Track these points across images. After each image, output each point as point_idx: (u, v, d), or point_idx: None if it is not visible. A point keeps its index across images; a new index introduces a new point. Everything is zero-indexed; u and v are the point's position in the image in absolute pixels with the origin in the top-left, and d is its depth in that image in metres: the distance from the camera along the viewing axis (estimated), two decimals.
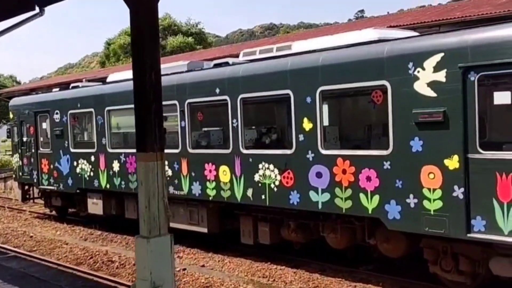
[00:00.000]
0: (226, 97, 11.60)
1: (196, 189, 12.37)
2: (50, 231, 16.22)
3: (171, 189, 12.98)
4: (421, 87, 8.49)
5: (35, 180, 17.85)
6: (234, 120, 11.46)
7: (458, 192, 8.15)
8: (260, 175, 11.00)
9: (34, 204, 20.40)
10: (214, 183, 11.97)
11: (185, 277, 10.66)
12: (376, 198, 9.17)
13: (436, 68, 8.30)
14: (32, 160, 17.93)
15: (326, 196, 9.90)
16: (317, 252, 11.39)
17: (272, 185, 10.78)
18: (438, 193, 8.39)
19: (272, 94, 10.92)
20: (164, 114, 14.09)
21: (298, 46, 11.15)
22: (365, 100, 10.20)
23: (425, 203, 8.54)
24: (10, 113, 19.49)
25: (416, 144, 8.60)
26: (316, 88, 9.92)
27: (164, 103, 12.73)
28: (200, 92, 12.30)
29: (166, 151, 13.07)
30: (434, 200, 8.45)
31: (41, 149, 17.57)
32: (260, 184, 11.01)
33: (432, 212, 8.48)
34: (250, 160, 11.20)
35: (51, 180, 17.08)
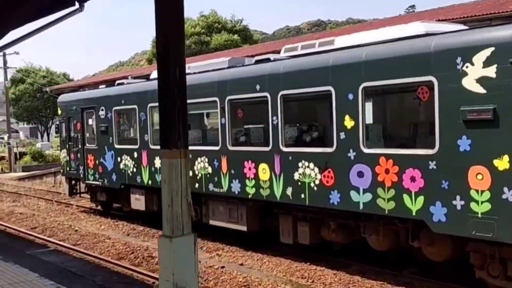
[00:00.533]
0: (266, 94, 11.41)
1: (236, 187, 12.24)
2: (95, 225, 16.45)
3: (210, 187, 12.93)
4: (470, 83, 8.06)
5: (81, 175, 18.15)
6: (274, 118, 11.26)
7: (508, 194, 7.70)
8: (299, 174, 10.76)
9: (81, 199, 20.77)
10: (253, 181, 11.81)
11: (223, 275, 10.55)
12: (421, 199, 8.79)
13: (486, 63, 7.86)
14: (78, 155, 18.24)
15: (368, 197, 9.58)
16: (358, 253, 11.06)
17: (312, 184, 10.53)
18: (487, 195, 7.95)
19: (313, 90, 10.67)
20: (205, 111, 14.23)
21: (341, 41, 10.85)
22: (410, 96, 9.80)
23: (473, 205, 8.12)
24: (59, 109, 19.91)
25: (464, 143, 8.18)
26: (359, 84, 9.60)
27: (204, 99, 13.09)
28: (240, 88, 12.17)
29: (206, 148, 13.21)
30: (482, 202, 8.01)
31: (87, 144, 17.85)
32: (299, 183, 10.77)
33: (479, 215, 8.04)
34: (290, 158, 10.98)
35: (96, 175, 17.32)
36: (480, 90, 7.95)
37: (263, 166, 11.57)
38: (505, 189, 7.72)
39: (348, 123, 9.83)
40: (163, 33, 4.33)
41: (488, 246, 8.41)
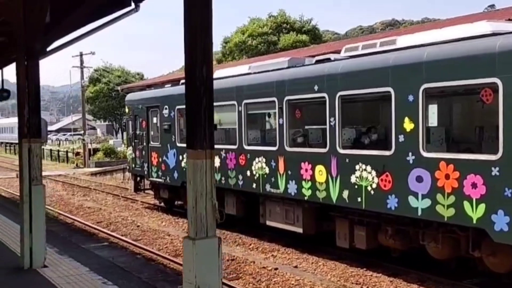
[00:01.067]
0: (324, 94, 11.23)
1: (292, 188, 12.12)
2: (156, 221, 16.82)
3: (267, 187, 12.88)
4: None
5: (145, 172, 18.61)
6: (332, 119, 11.05)
7: None
8: (356, 177, 10.51)
9: (146, 195, 21.30)
10: (309, 183, 11.65)
11: (276, 277, 10.47)
12: (482, 207, 8.35)
13: None
14: (143, 153, 18.71)
15: (427, 202, 9.21)
16: (417, 261, 10.65)
17: (369, 188, 10.25)
18: None
19: (372, 91, 10.41)
20: (263, 111, 14.18)
21: (404, 41, 10.50)
22: (473, 99, 9.35)
23: None
24: (126, 107, 20.53)
25: None
26: (419, 85, 9.25)
27: (263, 99, 13.06)
28: (298, 89, 12.04)
29: (264, 148, 13.17)
30: None
31: (151, 142, 18.26)
32: (356, 186, 10.52)
33: None
34: (347, 160, 10.75)
35: (159, 173, 17.69)
36: None
37: (319, 168, 11.40)
38: None
39: (408, 125, 9.49)
40: (191, 26, 4.27)
41: None
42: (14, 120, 79.11)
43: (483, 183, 8.31)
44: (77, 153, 42.76)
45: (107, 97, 68.55)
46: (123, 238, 14.22)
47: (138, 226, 16.00)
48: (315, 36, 50.60)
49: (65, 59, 41.86)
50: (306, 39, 47.63)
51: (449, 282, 9.91)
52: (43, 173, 29.81)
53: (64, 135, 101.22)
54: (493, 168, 8.16)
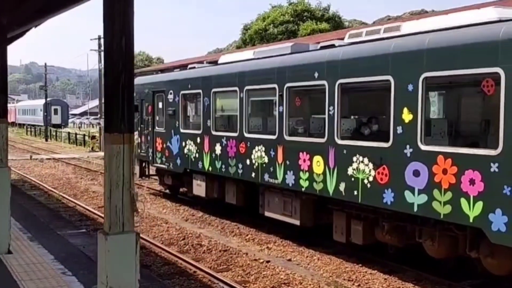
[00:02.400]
0: (324, 82, 10.76)
1: (290, 178, 11.72)
2: (157, 208, 16.58)
3: (266, 177, 12.50)
4: None
5: (150, 158, 18.36)
6: (331, 108, 10.59)
7: None
8: (353, 169, 10.06)
9: (154, 181, 21.08)
10: (307, 174, 11.23)
11: (266, 270, 10.11)
12: (479, 205, 7.85)
13: None
14: (149, 138, 18.45)
15: (423, 198, 8.73)
16: (416, 259, 10.18)
17: (366, 181, 9.80)
18: None
19: (372, 80, 9.92)
20: (265, 98, 13.76)
21: (408, 27, 9.95)
22: (474, 90, 8.82)
23: None
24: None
25: None
26: (420, 74, 8.74)
27: (265, 86, 12.64)
28: (299, 76, 11.60)
29: (263, 136, 12.79)
30: None
31: (156, 128, 17.99)
32: (353, 179, 10.08)
33: None
34: (344, 151, 10.29)
35: (163, 159, 17.43)
36: None
37: (317, 159, 10.96)
38: None
39: (406, 116, 9.00)
40: None
41: None
42: (37, 102, 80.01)
43: (481, 180, 7.81)
44: (93, 137, 42.87)
45: None
46: None
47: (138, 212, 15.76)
48: (336, 24, 49.67)
49: (95, 42, 41.90)
50: (326, 27, 46.77)
51: (446, 283, 9.45)
52: (58, 156, 29.93)
53: (88, 118, 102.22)
54: (492, 164, 7.64)
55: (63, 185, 21.19)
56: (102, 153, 36.62)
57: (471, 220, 7.99)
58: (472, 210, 7.95)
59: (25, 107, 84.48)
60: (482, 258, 8.43)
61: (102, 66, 31.35)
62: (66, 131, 52.83)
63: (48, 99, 66.68)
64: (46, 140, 53.34)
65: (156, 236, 12.84)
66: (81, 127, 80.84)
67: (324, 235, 11.88)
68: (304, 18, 47.23)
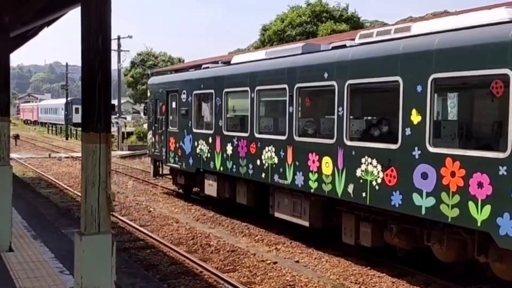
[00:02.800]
0: (333, 82, 10.67)
1: (299, 179, 11.64)
2: (169, 208, 16.63)
3: (276, 177, 12.44)
4: None
5: (163, 157, 18.42)
6: (340, 108, 10.50)
7: None
8: (362, 170, 9.95)
9: (168, 180, 21.16)
10: (316, 175, 11.15)
11: (272, 272, 10.05)
12: (487, 208, 7.70)
13: None
14: (162, 137, 18.51)
15: (431, 201, 8.59)
16: (427, 262, 10.02)
17: (374, 183, 9.68)
18: None
19: (381, 80, 9.80)
20: (275, 99, 13.68)
21: (419, 27, 9.81)
22: (483, 92, 8.65)
23: None
24: (148, 91, 20.36)
25: None
26: (428, 75, 8.60)
27: (275, 86, 12.58)
28: (309, 76, 11.52)
29: (273, 137, 12.72)
30: None
31: (170, 127, 18.04)
32: (361, 180, 9.97)
33: None
34: (353, 153, 10.19)
35: (176, 158, 17.47)
36: None
37: (326, 160, 10.87)
38: None
39: (415, 118, 8.87)
40: None
41: None
42: (59, 101, 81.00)
43: (489, 183, 7.66)
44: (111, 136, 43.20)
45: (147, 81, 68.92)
46: (131, 223, 14.06)
47: (150, 211, 15.85)
48: (355, 25, 49.31)
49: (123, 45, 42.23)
50: (345, 28, 46.45)
51: (456, 287, 9.28)
52: (76, 154, 30.06)
53: (119, 118, 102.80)
54: (500, 167, 7.49)
55: (79, 183, 21.34)
56: (119, 152, 36.97)
57: (479, 224, 7.84)
58: (480, 214, 7.80)
59: (47, 106, 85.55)
60: (491, 262, 8.26)
61: (121, 65, 31.39)
62: None
63: (69, 98, 67.57)
64: (67, 138, 54.01)
65: (166, 236, 12.87)
66: None
67: (333, 237, 11.78)
68: (323, 19, 46.96)
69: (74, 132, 54.71)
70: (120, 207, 16.52)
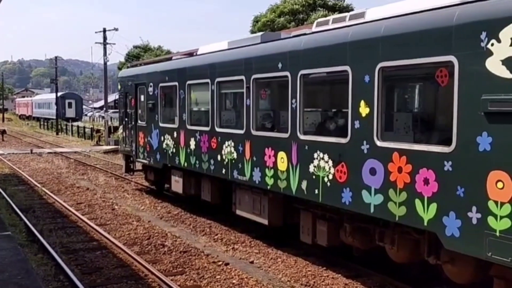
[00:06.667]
0: (287, 73, 10.11)
1: (257, 176, 11.11)
2: (136, 205, 16.09)
3: (235, 174, 11.90)
4: (495, 65, 6.30)
5: (133, 153, 17.89)
6: (293, 101, 9.94)
7: None
8: (314, 166, 9.41)
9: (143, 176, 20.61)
10: (272, 171, 10.61)
11: (221, 274, 9.53)
12: (434, 207, 7.16)
13: None
14: (132, 132, 17.96)
15: (379, 198, 8.06)
16: (387, 263, 9.46)
17: (326, 179, 9.14)
18: (507, 208, 6.22)
19: (332, 70, 9.25)
20: (234, 91, 13.10)
21: (373, 14, 9.22)
22: (429, 81, 8.09)
23: (490, 220, 6.41)
24: (119, 84, 19.77)
25: (484, 142, 6.45)
26: (375, 64, 8.04)
27: (233, 78, 12.01)
28: (264, 67, 10.96)
29: (232, 131, 12.16)
30: (501, 217, 6.29)
31: (139, 121, 17.47)
32: (314, 176, 9.43)
33: (497, 233, 6.33)
34: (306, 147, 9.65)
35: (145, 154, 16.94)
36: (506, 74, 6.18)
37: (281, 155, 10.34)
38: None
39: (363, 110, 8.32)
40: None
41: None
42: (52, 95, 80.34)
43: (435, 179, 7.12)
44: (97, 131, 42.66)
45: None
46: (89, 222, 13.50)
47: (113, 209, 15.32)
48: None
49: (115, 38, 41.59)
50: None
51: None
52: (61, 150, 29.63)
53: (107, 112, 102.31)
54: (445, 163, 6.94)
55: (51, 180, 20.86)
56: (105, 147, 36.41)
57: (425, 224, 7.31)
58: (427, 213, 7.26)
59: (40, 101, 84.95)
60: (442, 264, 7.73)
61: (107, 58, 30.74)
62: (77, 124, 52.75)
63: (62, 92, 66.94)
64: (57, 133, 53.44)
65: (122, 235, 12.34)
66: (94, 120, 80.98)
67: (296, 236, 11.25)
68: (317, 8, 46.12)
69: (65, 127, 54.12)
70: (85, 205, 16.02)
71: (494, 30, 6.27)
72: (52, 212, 14.99)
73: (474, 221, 6.58)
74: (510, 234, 6.16)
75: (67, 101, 73.73)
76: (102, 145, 38.63)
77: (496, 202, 6.31)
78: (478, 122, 6.48)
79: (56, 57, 60.56)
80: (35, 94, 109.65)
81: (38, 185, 19.38)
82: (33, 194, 17.80)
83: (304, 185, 9.71)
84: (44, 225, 13.24)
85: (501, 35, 6.19)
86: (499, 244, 6.29)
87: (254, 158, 11.20)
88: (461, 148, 6.73)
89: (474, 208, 6.58)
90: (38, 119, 79.74)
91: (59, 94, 66.41)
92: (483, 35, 6.40)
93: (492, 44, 6.30)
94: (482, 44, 6.41)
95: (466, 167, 6.68)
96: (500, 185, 6.26)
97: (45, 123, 66.25)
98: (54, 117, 63.47)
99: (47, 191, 18.11)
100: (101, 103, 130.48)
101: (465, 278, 7.55)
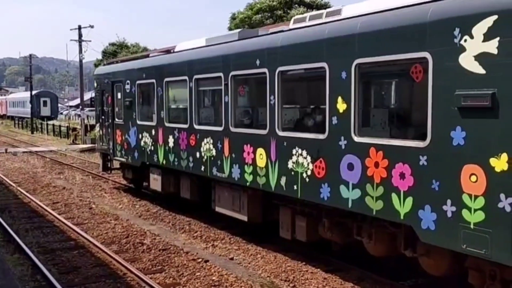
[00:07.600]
0: (265, 70, 10.15)
1: (236, 172, 11.14)
2: (114, 204, 15.99)
3: (214, 171, 11.92)
4: (468, 61, 6.43)
5: (111, 151, 17.76)
6: (272, 97, 10.00)
7: (505, 202, 6.08)
8: (293, 162, 9.48)
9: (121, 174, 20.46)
10: (251, 167, 10.66)
11: (200, 271, 9.55)
12: (409, 201, 7.28)
13: (487, 36, 6.20)
14: (109, 130, 17.83)
15: (357, 193, 8.16)
16: (367, 257, 9.56)
17: (304, 175, 9.22)
18: (480, 201, 6.35)
19: (309, 67, 9.34)
20: (212, 88, 13.10)
21: (350, 10, 9.31)
22: (404, 77, 8.21)
23: (464, 213, 6.54)
24: (95, 82, 19.59)
25: (458, 136, 6.59)
26: (352, 61, 8.14)
27: (211, 75, 12.01)
28: (242, 63, 10.99)
29: (211, 128, 12.17)
30: (475, 210, 6.42)
31: (116, 119, 17.35)
32: (292, 173, 9.50)
33: (472, 226, 6.46)
34: (285, 144, 9.71)
35: (123, 152, 16.83)
36: (479, 70, 6.31)
37: (260, 151, 10.39)
38: (502, 196, 6.10)
39: (341, 106, 8.41)
40: None
41: (488, 264, 6.79)
42: (26, 94, 79.17)
43: (410, 174, 7.24)
44: (74, 129, 42.21)
45: None
46: (66, 221, 13.37)
47: (91, 208, 15.20)
48: None
49: (90, 35, 41.15)
50: None
51: (388, 282, 8.90)
52: (36, 149, 29.25)
53: (83, 110, 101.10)
54: (420, 157, 7.06)
55: (26, 180, 20.60)
56: (82, 146, 36.05)
57: (402, 217, 7.43)
58: (403, 207, 7.38)
59: (14, 99, 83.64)
60: (419, 257, 7.87)
61: (83, 56, 30.37)
62: (53, 123, 52.10)
63: (37, 90, 65.99)
64: (32, 132, 52.73)
65: (100, 234, 12.27)
66: (70, 119, 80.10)
67: (275, 232, 11.30)
68: (295, 5, 46.19)
69: (40, 126, 53.43)
70: (61, 204, 15.86)
71: (467, 26, 6.39)
72: (28, 212, 14.83)
73: (449, 214, 6.71)
74: (484, 226, 6.30)
75: (42, 99, 72.69)
76: (78, 144, 38.24)
77: (470, 195, 6.45)
78: (452, 117, 6.61)
79: (30, 55, 59.64)
80: (9, 93, 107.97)
81: (14, 184, 19.13)
82: (9, 194, 17.57)
83: (283, 181, 9.77)
84: (20, 225, 13.10)
85: (474, 31, 6.31)
86: (473, 236, 6.42)
87: (233, 155, 11.23)
88: (436, 143, 6.86)
89: (449, 202, 6.71)
90: (12, 118, 78.50)
91: (33, 92, 65.60)
92: (456, 31, 6.52)
93: (465, 40, 6.42)
94: (456, 40, 6.53)
95: (440, 161, 6.81)
96: (473, 178, 6.39)
97: (20, 122, 65.32)
98: (29, 116, 62.63)
99: (22, 190, 17.90)
100: (77, 101, 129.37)
101: (441, 270, 7.68)
